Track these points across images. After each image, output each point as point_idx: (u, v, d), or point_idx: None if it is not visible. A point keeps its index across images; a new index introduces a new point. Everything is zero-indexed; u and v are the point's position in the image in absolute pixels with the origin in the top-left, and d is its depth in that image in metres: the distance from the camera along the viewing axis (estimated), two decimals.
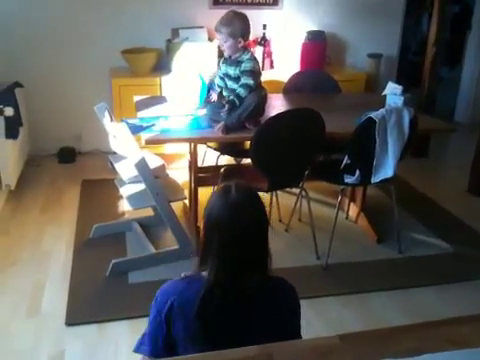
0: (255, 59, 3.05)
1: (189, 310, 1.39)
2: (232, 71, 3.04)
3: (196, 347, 1.40)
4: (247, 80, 2.96)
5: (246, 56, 3.01)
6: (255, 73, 2.99)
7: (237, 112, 2.95)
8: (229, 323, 1.43)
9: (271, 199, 3.53)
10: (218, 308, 1.40)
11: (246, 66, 2.97)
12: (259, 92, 3.02)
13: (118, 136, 2.88)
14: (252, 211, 1.45)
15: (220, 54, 4.13)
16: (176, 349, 1.45)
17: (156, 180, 2.91)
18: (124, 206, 3.65)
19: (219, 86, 3.17)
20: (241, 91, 2.96)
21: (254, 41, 4.52)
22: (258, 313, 1.45)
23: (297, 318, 1.55)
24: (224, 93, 3.12)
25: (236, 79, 3.03)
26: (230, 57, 3.07)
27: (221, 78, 3.16)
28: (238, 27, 2.97)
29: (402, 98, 3.17)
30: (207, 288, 1.39)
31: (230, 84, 3.11)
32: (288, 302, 1.53)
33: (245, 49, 3.04)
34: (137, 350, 1.51)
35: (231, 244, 1.40)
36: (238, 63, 3.01)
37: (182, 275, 1.49)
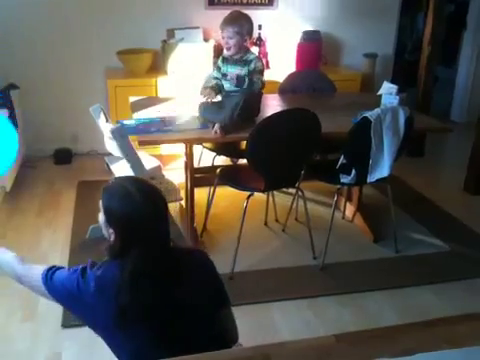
0: (261, 58, 3.15)
1: (109, 295, 1.45)
2: (238, 71, 3.05)
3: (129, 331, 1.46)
4: (261, 78, 3.04)
5: (252, 55, 3.09)
6: (263, 72, 3.08)
7: (227, 111, 2.95)
8: (154, 309, 1.47)
9: (267, 199, 3.53)
10: (141, 296, 1.45)
11: (257, 65, 3.03)
12: (249, 89, 3.06)
13: (113, 137, 2.87)
14: (161, 202, 1.54)
15: (216, 54, 4.14)
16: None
17: (152, 181, 2.91)
18: None
19: (218, 86, 3.17)
20: (257, 88, 3.04)
21: (250, 41, 4.52)
22: (184, 286, 1.52)
23: (220, 279, 1.66)
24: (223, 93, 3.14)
25: (242, 78, 3.06)
26: (231, 57, 3.07)
27: (217, 78, 3.16)
28: (245, 26, 3.01)
29: (398, 98, 3.17)
30: (127, 273, 1.45)
31: (228, 86, 3.12)
32: (209, 267, 1.64)
33: (248, 49, 3.08)
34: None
35: (148, 234, 1.49)
36: (245, 62, 3.04)
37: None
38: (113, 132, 2.74)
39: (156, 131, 2.93)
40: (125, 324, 1.45)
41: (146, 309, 1.45)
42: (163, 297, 1.48)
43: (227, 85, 3.14)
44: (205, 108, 3.11)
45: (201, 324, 1.53)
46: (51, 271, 1.58)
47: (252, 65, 3.03)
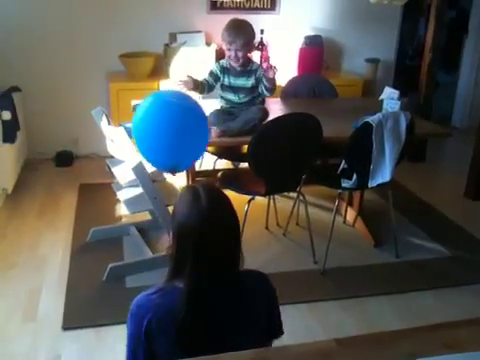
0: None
1: (169, 324, 1.36)
2: (244, 82, 3.07)
3: (182, 355, 1.35)
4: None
5: (256, 64, 3.15)
6: None
7: (239, 122, 2.96)
8: (213, 327, 1.41)
9: (268, 203, 3.53)
10: (200, 315, 1.39)
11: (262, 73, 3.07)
12: (264, 108, 3.13)
13: (116, 140, 2.88)
14: (225, 217, 1.43)
15: (218, 59, 4.14)
16: None
17: (153, 184, 2.91)
18: (121, 210, 3.65)
19: (223, 98, 3.19)
20: (267, 94, 3.12)
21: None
22: (240, 310, 1.45)
23: (276, 305, 1.57)
24: (224, 105, 3.16)
25: (250, 89, 3.09)
26: (234, 68, 3.07)
27: (207, 80, 3.17)
28: (250, 35, 3.02)
29: (399, 103, 3.18)
30: (186, 298, 1.37)
31: (236, 98, 3.13)
32: (265, 291, 1.54)
33: (249, 58, 3.10)
34: None
35: (206, 252, 1.38)
36: (250, 73, 3.05)
37: (154, 289, 1.44)
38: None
39: None
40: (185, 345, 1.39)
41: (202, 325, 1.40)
42: (220, 314, 1.42)
43: (235, 98, 3.14)
44: (216, 115, 3.11)
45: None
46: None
47: (258, 73, 3.05)
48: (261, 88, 3.10)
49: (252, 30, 3.06)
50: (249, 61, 3.12)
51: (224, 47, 3.12)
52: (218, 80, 3.18)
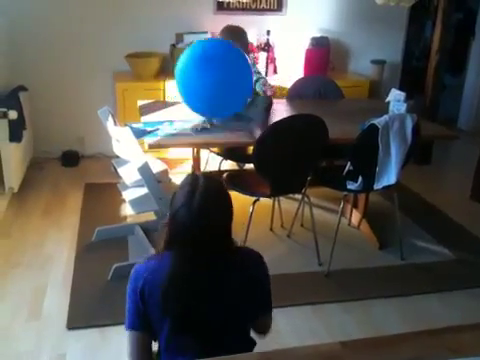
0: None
1: (158, 287, 1.46)
2: None
3: (167, 321, 1.48)
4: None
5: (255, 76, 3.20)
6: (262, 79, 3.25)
7: (259, 112, 2.99)
8: (198, 294, 1.48)
9: (273, 204, 3.53)
10: (186, 282, 1.47)
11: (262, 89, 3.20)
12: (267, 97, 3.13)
13: (121, 140, 2.89)
14: (215, 213, 1.48)
15: None
16: (153, 325, 1.52)
17: (159, 185, 2.92)
18: (126, 210, 3.66)
19: None
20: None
21: (258, 47, 4.53)
22: (226, 283, 1.51)
23: (265, 285, 1.63)
24: None
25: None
26: None
27: None
28: (241, 41, 3.04)
29: (405, 105, 3.17)
30: (172, 269, 1.46)
31: None
32: (255, 272, 1.60)
33: None
34: (125, 327, 1.56)
35: (195, 241, 1.45)
36: None
37: (151, 256, 1.60)
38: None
39: (164, 135, 2.94)
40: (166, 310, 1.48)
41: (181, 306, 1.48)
42: (197, 295, 1.49)
43: None
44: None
45: (232, 324, 1.55)
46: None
47: (257, 85, 3.08)
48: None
49: (243, 37, 3.08)
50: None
51: None
52: None
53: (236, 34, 3.04)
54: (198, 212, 1.43)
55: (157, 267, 1.51)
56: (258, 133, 2.89)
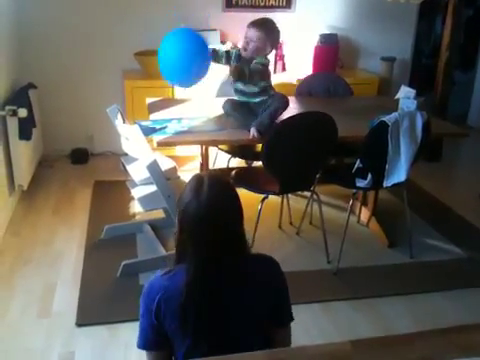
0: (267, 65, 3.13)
1: (175, 305, 1.43)
2: (252, 88, 3.04)
3: (188, 336, 1.45)
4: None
5: (268, 91, 3.11)
6: (264, 73, 3.09)
7: (265, 116, 2.95)
8: (214, 307, 1.45)
9: (282, 202, 3.53)
10: (202, 295, 1.43)
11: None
12: (283, 95, 3.08)
13: (130, 138, 2.89)
14: (224, 208, 1.45)
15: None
16: (172, 341, 1.49)
17: (167, 182, 2.92)
18: (135, 208, 3.67)
19: (238, 90, 3.15)
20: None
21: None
22: (242, 294, 1.48)
23: (284, 291, 1.57)
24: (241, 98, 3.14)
25: (259, 92, 3.07)
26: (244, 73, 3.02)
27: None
28: (270, 32, 2.99)
29: (415, 102, 3.15)
30: (187, 282, 1.42)
31: (245, 99, 3.11)
32: (272, 276, 1.55)
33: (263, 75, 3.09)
34: (137, 346, 1.55)
35: (205, 241, 1.43)
36: (257, 86, 3.05)
37: (164, 271, 1.52)
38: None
39: (173, 132, 2.94)
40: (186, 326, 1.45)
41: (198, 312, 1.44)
42: (212, 302, 1.46)
43: (244, 98, 3.12)
44: (234, 107, 3.11)
45: (251, 336, 1.50)
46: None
47: (266, 99, 3.05)
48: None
49: (274, 31, 3.03)
50: (262, 78, 3.05)
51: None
52: (229, 62, 3.12)
53: (266, 23, 3.01)
54: (206, 203, 1.40)
55: (172, 281, 1.47)
56: (254, 133, 2.89)
